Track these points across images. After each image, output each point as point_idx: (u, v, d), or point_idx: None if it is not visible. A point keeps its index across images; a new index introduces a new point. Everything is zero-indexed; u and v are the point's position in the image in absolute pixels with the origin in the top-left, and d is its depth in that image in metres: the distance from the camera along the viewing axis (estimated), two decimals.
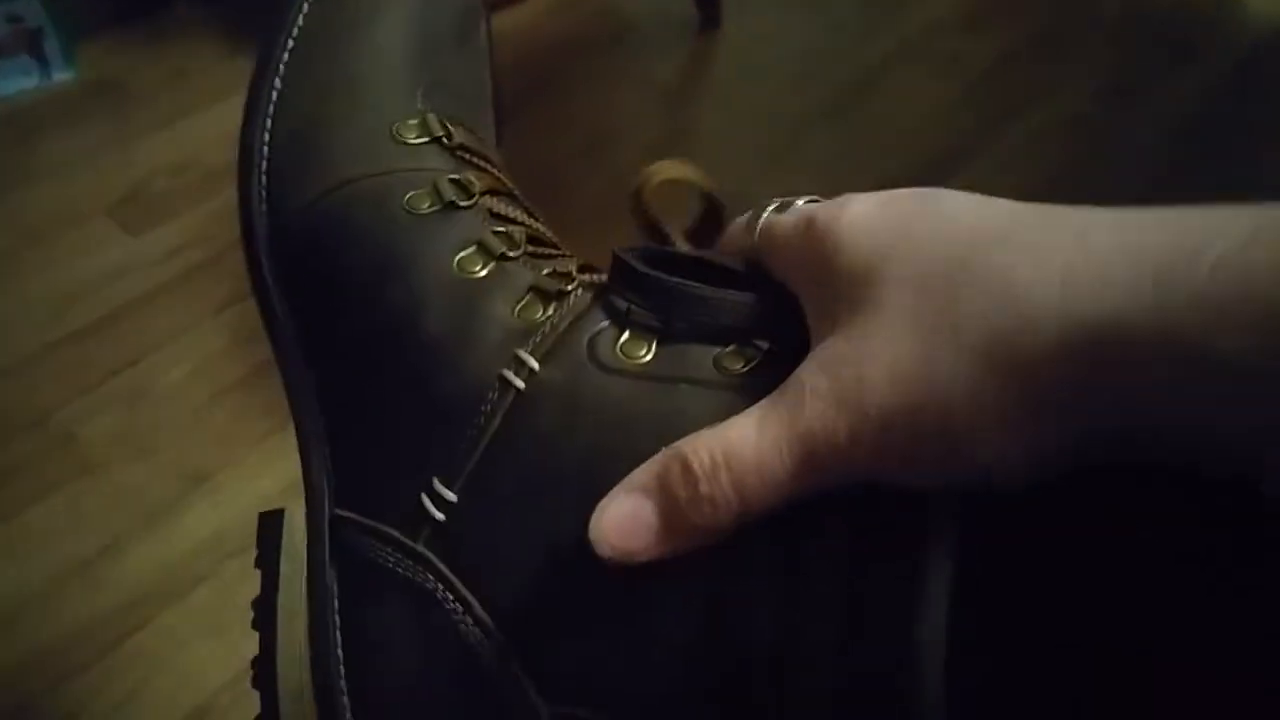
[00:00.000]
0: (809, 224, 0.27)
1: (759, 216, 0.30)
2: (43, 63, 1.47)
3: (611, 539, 0.26)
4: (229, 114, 1.43)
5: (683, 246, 0.33)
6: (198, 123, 1.42)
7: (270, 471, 1.01)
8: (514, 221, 0.36)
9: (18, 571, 0.95)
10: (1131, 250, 0.20)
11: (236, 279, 1.24)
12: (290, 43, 0.38)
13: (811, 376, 0.24)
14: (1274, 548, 0.20)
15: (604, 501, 0.26)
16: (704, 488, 0.25)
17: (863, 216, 0.26)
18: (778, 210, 0.30)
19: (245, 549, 0.95)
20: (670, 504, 0.26)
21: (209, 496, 1.00)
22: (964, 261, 0.22)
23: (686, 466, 0.25)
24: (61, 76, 1.49)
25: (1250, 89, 1.46)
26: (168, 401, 1.08)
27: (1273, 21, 1.56)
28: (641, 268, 0.31)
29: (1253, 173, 1.32)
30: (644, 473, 0.26)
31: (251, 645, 0.97)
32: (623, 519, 0.26)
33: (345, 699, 0.32)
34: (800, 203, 0.29)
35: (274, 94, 0.37)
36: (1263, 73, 1.48)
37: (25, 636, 0.91)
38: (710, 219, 0.34)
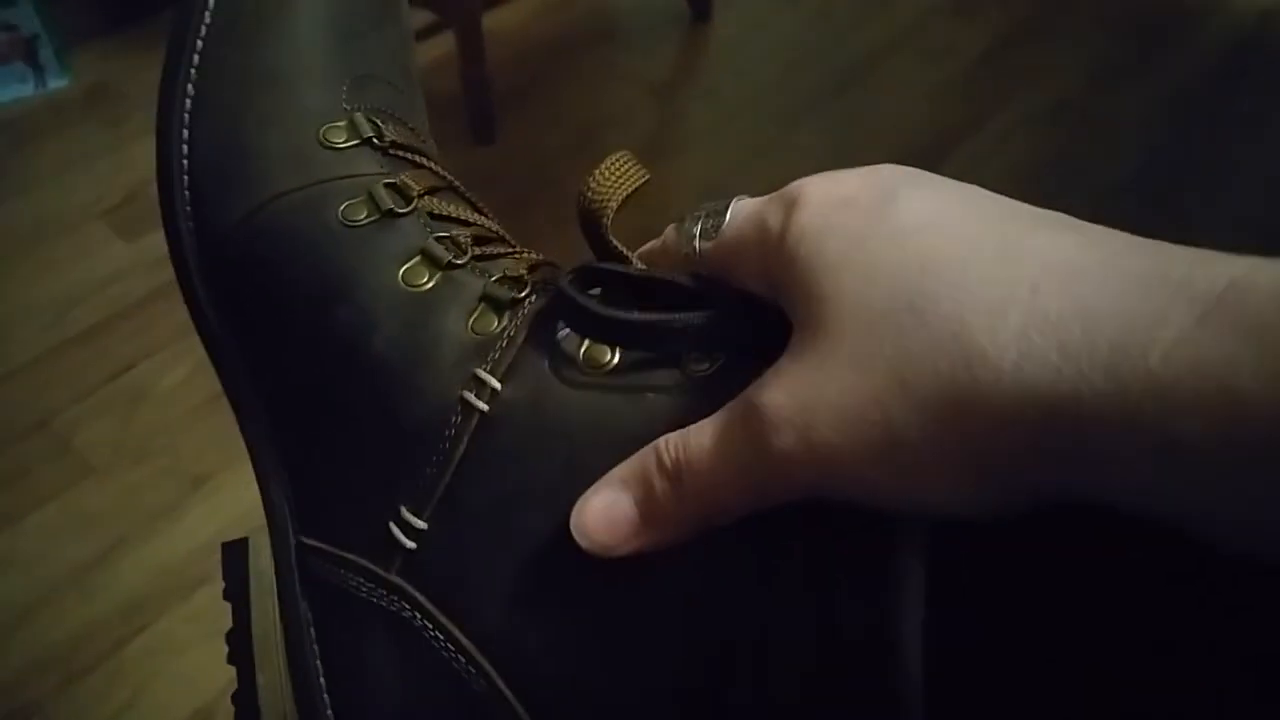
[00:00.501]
0: (761, 230, 0.26)
1: (691, 230, 0.29)
2: (38, 70, 1.47)
3: (591, 531, 0.26)
4: None
5: (619, 247, 0.32)
6: None
7: None
8: (457, 221, 0.34)
9: (19, 576, 0.95)
10: (1087, 320, 0.20)
11: None
12: (199, 42, 0.35)
13: (767, 395, 0.24)
14: (1263, 569, 0.21)
15: (586, 494, 0.27)
16: (673, 485, 0.25)
17: (813, 226, 0.25)
18: (708, 219, 0.28)
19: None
20: (647, 496, 0.26)
21: (209, 499, 1.00)
22: (914, 303, 0.22)
23: (660, 461, 0.26)
24: (57, 84, 1.49)
25: (1237, 75, 1.46)
26: (166, 405, 1.09)
27: (1259, 9, 1.56)
28: (593, 308, 0.29)
29: (1238, 157, 1.32)
30: (624, 467, 0.27)
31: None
32: (602, 511, 0.26)
33: (331, 717, 0.31)
34: (733, 204, 0.28)
35: (188, 100, 0.34)
36: (1249, 60, 1.49)
37: (27, 642, 0.91)
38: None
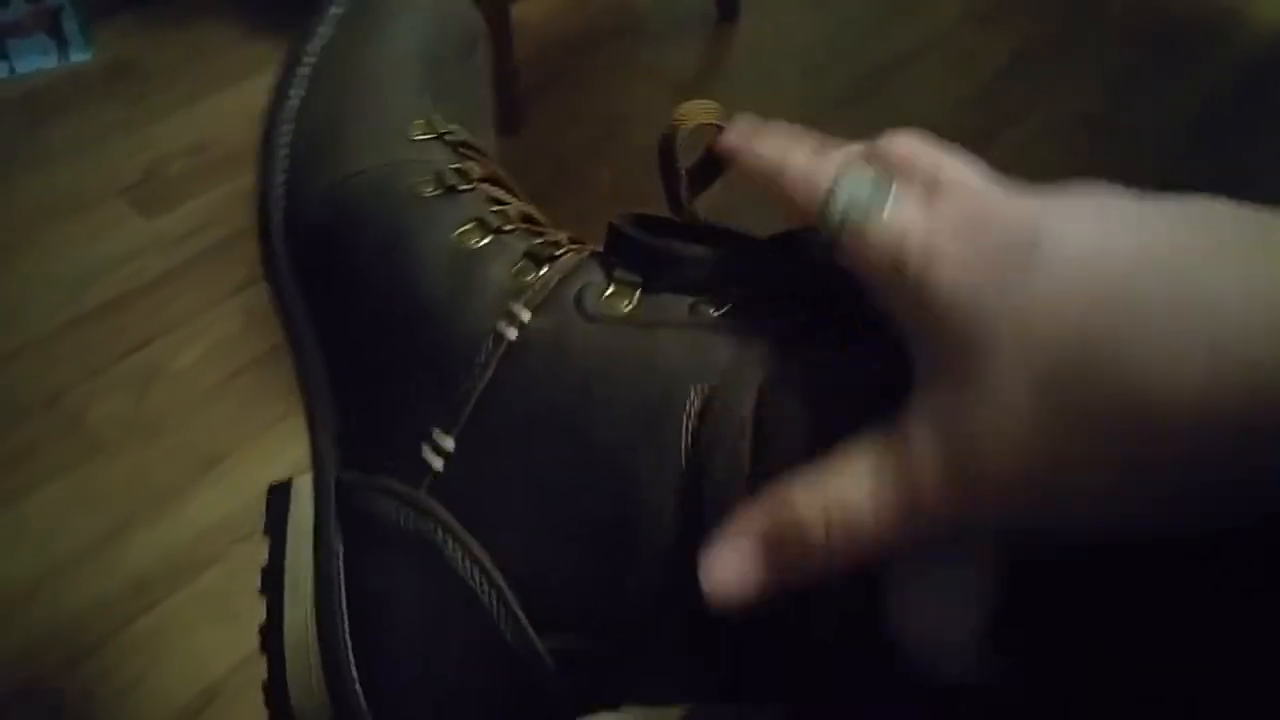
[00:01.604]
0: (898, 262, 0.26)
1: (839, 203, 0.28)
2: (61, 43, 1.47)
3: (721, 590, 0.27)
4: (246, 96, 1.44)
5: (688, 196, 0.35)
6: (214, 104, 1.43)
7: (283, 456, 1.01)
8: (509, 203, 0.38)
9: (27, 552, 0.95)
10: (1267, 371, 0.19)
11: (251, 262, 1.22)
12: (315, 48, 0.41)
13: (923, 435, 0.24)
14: None
15: (717, 547, 0.27)
16: (821, 554, 0.25)
17: (957, 271, 0.24)
18: (869, 194, 0.28)
19: (256, 533, 0.96)
20: (781, 562, 0.26)
21: (220, 480, 1.00)
22: (1087, 351, 0.21)
23: (801, 531, 0.26)
24: (79, 57, 1.49)
25: (1257, 90, 1.46)
26: (180, 384, 1.08)
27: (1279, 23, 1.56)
28: (626, 229, 0.33)
29: (1258, 170, 1.32)
30: (755, 521, 0.27)
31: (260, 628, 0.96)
32: (733, 571, 0.27)
33: (350, 653, 0.34)
34: (893, 192, 0.28)
35: (294, 98, 0.40)
36: (1269, 73, 1.49)
37: (34, 618, 0.91)
38: (711, 165, 0.35)
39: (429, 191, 0.37)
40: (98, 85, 1.45)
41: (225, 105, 1.43)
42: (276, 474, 1.07)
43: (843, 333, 0.30)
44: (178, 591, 0.93)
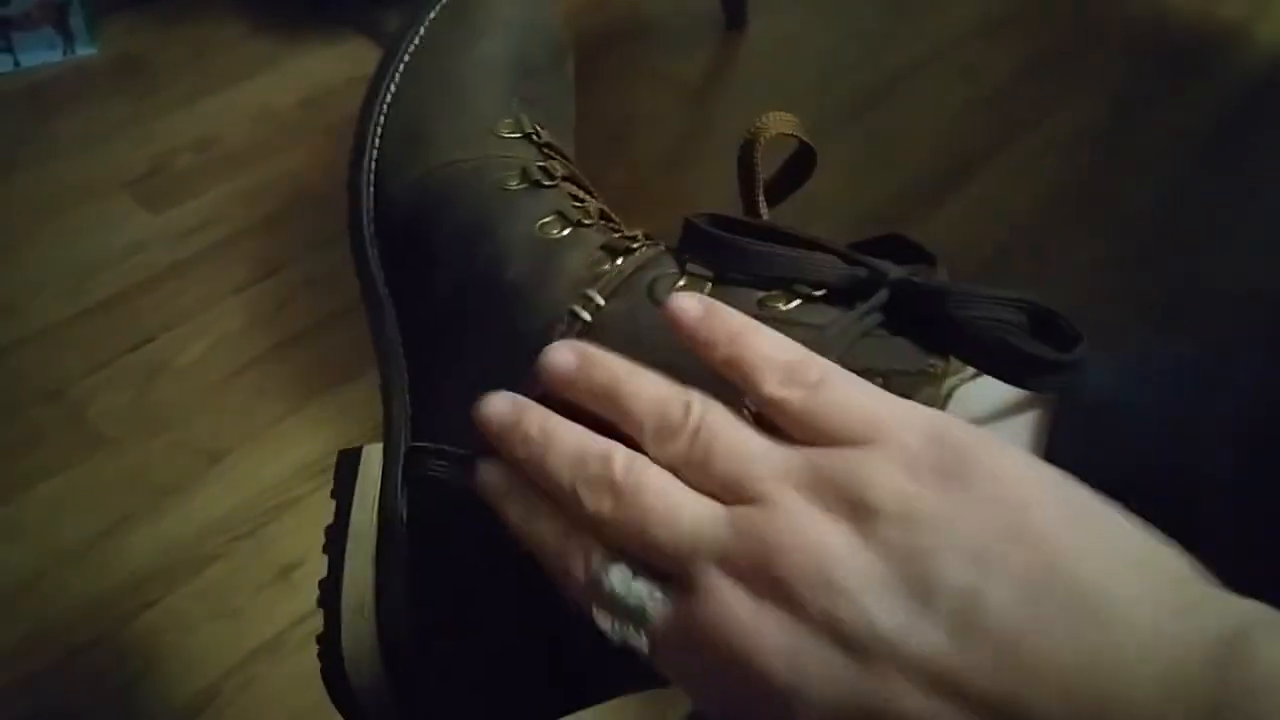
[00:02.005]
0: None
1: (594, 582, 0.28)
2: (67, 37, 1.46)
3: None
4: (252, 93, 1.43)
5: (763, 205, 0.37)
6: (220, 101, 1.42)
7: (286, 453, 1.00)
8: (589, 200, 0.40)
9: (25, 546, 0.94)
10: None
11: (256, 259, 1.24)
12: (410, 49, 0.44)
13: None
14: None
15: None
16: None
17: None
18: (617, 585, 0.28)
19: (258, 530, 0.95)
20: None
21: (223, 476, 0.99)
22: None
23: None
24: (85, 52, 1.48)
25: (1258, 109, 1.47)
26: (183, 380, 1.07)
27: None
28: (702, 225, 0.35)
29: (1258, 188, 1.33)
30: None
31: (261, 629, 0.96)
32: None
33: (406, 615, 0.35)
34: (643, 600, 0.27)
35: (388, 95, 0.43)
36: (1270, 95, 1.49)
37: (30, 612, 0.90)
38: (800, 166, 0.39)
39: (514, 185, 0.39)
40: (103, 80, 1.45)
41: (231, 102, 1.42)
42: (281, 470, 1.07)
43: (906, 332, 0.32)
44: (178, 589, 0.92)
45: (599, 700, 0.33)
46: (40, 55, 1.46)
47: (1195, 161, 1.37)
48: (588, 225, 0.38)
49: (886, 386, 0.29)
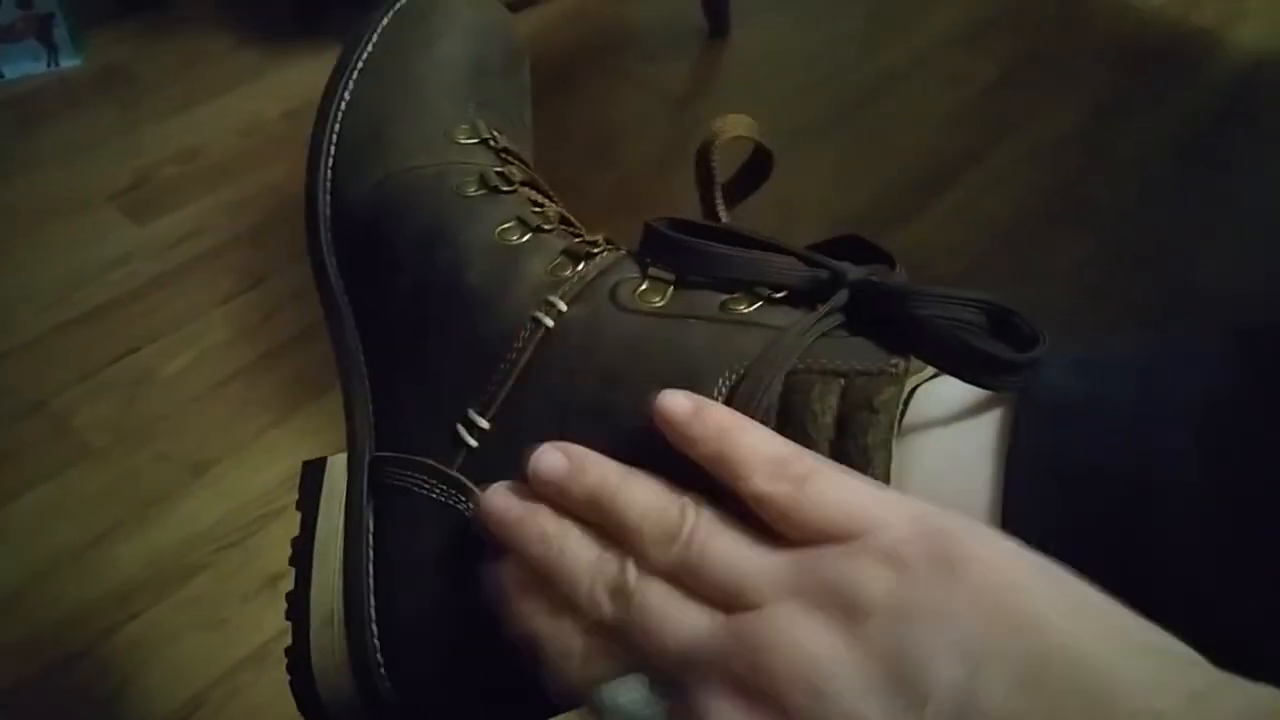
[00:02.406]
0: None
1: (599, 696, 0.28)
2: (51, 49, 1.46)
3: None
4: (237, 105, 1.43)
5: (721, 207, 0.37)
6: (205, 113, 1.42)
7: (271, 463, 1.00)
8: (548, 206, 0.40)
9: (9, 557, 0.94)
10: None
11: (241, 270, 1.24)
12: (365, 54, 0.43)
13: None
14: None
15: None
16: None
17: None
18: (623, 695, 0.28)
19: (245, 540, 0.95)
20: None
21: (208, 487, 0.99)
22: None
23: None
24: (69, 63, 1.48)
25: (1233, 113, 1.48)
26: (169, 390, 1.07)
27: (1258, 52, 1.59)
28: (662, 228, 0.35)
29: (1234, 194, 1.34)
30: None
31: (248, 640, 0.96)
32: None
33: (373, 617, 0.35)
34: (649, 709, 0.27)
35: (344, 98, 0.43)
36: (1246, 100, 1.51)
37: (14, 623, 0.90)
38: (758, 169, 0.38)
39: (473, 191, 0.39)
40: (88, 92, 1.45)
41: (215, 114, 1.42)
42: (266, 481, 1.07)
43: (866, 332, 0.32)
44: (163, 599, 0.92)
45: (570, 706, 0.33)
46: (24, 67, 1.46)
47: (1173, 166, 1.38)
48: (548, 230, 0.38)
49: (849, 386, 0.29)
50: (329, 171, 0.42)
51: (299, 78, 1.47)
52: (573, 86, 1.49)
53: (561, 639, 0.29)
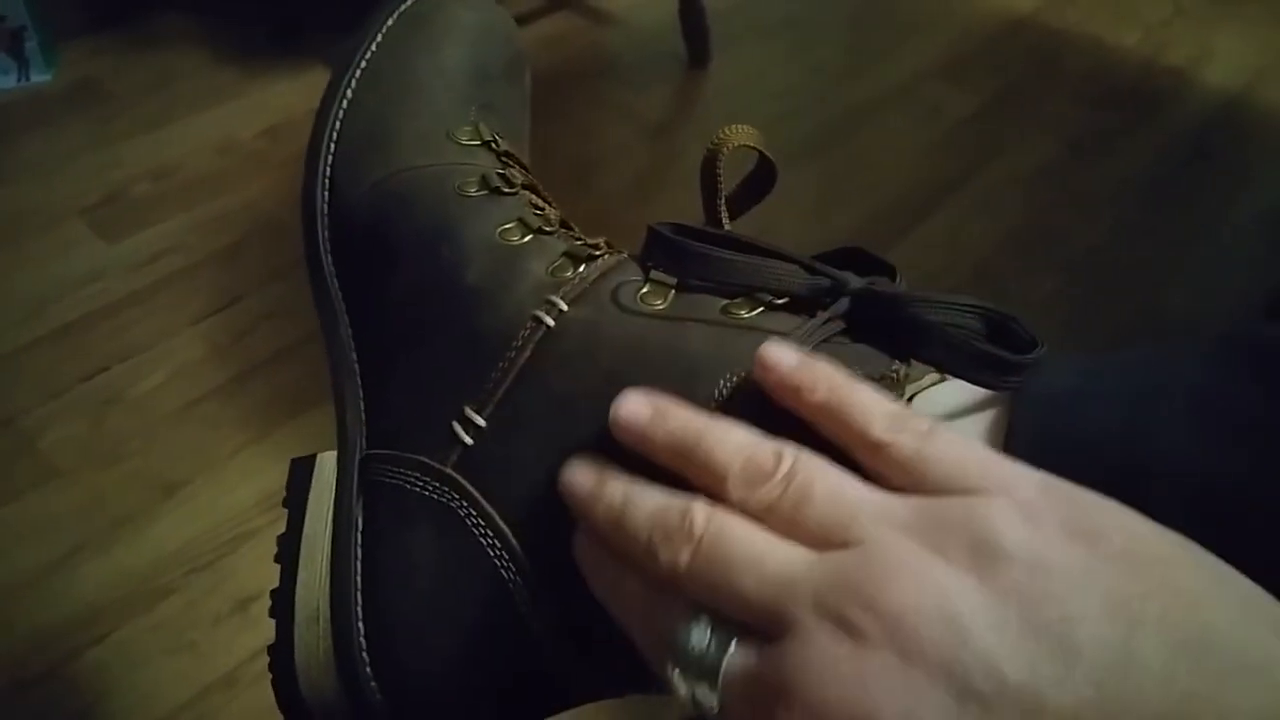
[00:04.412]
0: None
1: (673, 634, 0.27)
2: (22, 63, 1.45)
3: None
4: (211, 122, 1.42)
5: (725, 218, 0.37)
6: (179, 130, 1.41)
7: (245, 484, 0.99)
8: (549, 209, 0.40)
9: None
10: None
11: (214, 289, 1.22)
12: (368, 55, 0.43)
13: None
14: None
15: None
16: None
17: None
18: (693, 634, 0.26)
19: (215, 562, 0.93)
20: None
21: (179, 508, 0.97)
22: None
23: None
24: (40, 78, 1.47)
25: (1203, 149, 1.51)
26: (139, 410, 1.06)
27: (1229, 89, 1.62)
28: (665, 232, 0.35)
29: (1204, 230, 1.36)
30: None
31: (218, 663, 0.94)
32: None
33: (359, 618, 0.35)
34: (719, 649, 0.26)
35: (346, 98, 0.42)
36: (1216, 136, 1.54)
37: None
38: (761, 181, 0.39)
39: (474, 191, 0.39)
40: (59, 107, 1.43)
41: (190, 131, 1.41)
42: (239, 502, 1.05)
43: (866, 340, 0.32)
44: (129, 623, 0.90)
45: (560, 709, 0.33)
46: None
47: (1144, 201, 1.41)
48: (549, 232, 0.38)
49: None
50: (328, 169, 0.42)
51: (275, 97, 1.46)
52: (552, 113, 1.49)
53: (635, 603, 0.28)
